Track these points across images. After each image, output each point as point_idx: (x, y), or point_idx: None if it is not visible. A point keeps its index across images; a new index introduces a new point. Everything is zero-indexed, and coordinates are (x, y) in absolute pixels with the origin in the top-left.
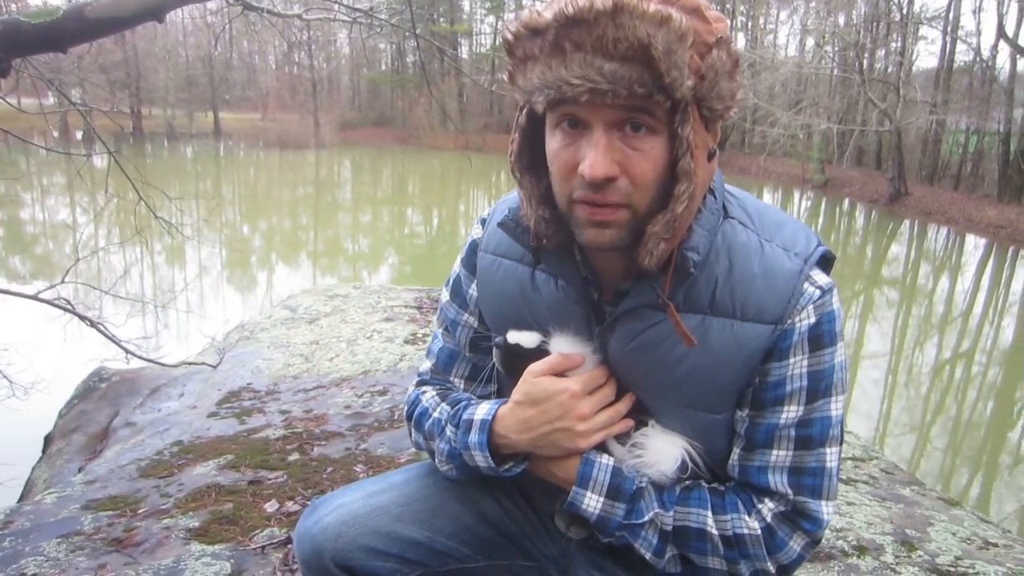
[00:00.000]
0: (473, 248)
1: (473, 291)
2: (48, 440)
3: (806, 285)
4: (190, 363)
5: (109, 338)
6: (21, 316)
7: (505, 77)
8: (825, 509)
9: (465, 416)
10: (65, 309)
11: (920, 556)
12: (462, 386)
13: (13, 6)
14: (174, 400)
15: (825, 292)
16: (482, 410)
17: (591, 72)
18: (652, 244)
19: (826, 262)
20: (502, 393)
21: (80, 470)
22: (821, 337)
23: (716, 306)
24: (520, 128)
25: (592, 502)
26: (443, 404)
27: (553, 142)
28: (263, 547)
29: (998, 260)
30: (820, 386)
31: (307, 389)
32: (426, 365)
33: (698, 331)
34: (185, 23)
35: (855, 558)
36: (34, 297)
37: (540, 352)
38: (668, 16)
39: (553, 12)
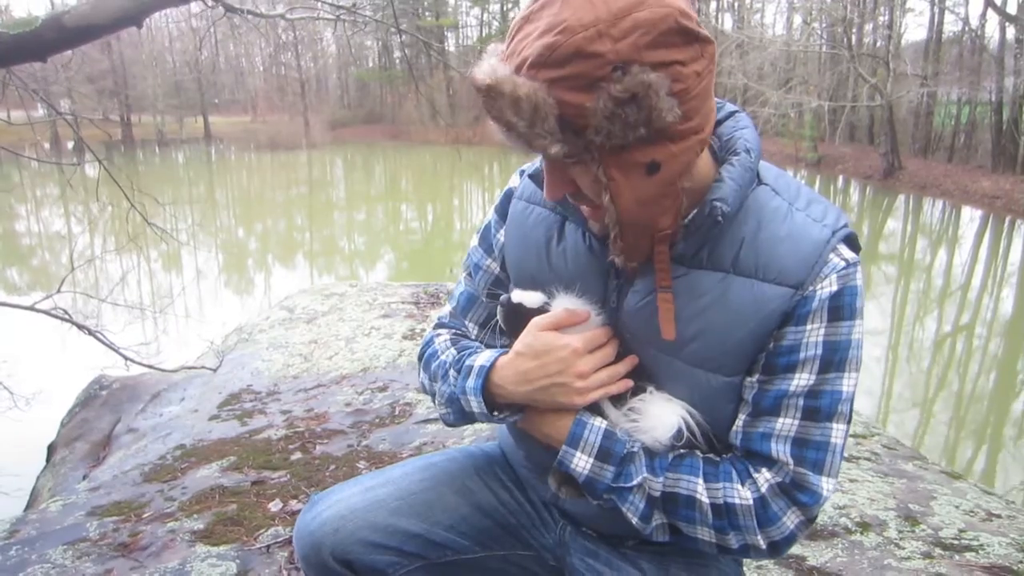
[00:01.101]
0: (508, 195)
1: (501, 236)
2: (51, 449)
3: (832, 255)
4: (190, 367)
5: (108, 346)
6: (20, 328)
7: None
8: (824, 485)
9: (468, 362)
10: (63, 319)
11: (923, 530)
12: (475, 332)
13: None
14: (175, 405)
15: (850, 265)
16: (483, 357)
17: (497, 130)
18: (616, 252)
19: (852, 243)
20: (509, 341)
21: (84, 477)
22: (841, 308)
23: (739, 265)
24: None
25: (581, 462)
26: (451, 348)
27: None
28: (268, 546)
29: (995, 231)
30: (834, 357)
31: (307, 388)
32: (446, 308)
33: (718, 288)
34: (170, 28)
35: (858, 534)
36: (31, 308)
37: (542, 312)
38: (518, 97)
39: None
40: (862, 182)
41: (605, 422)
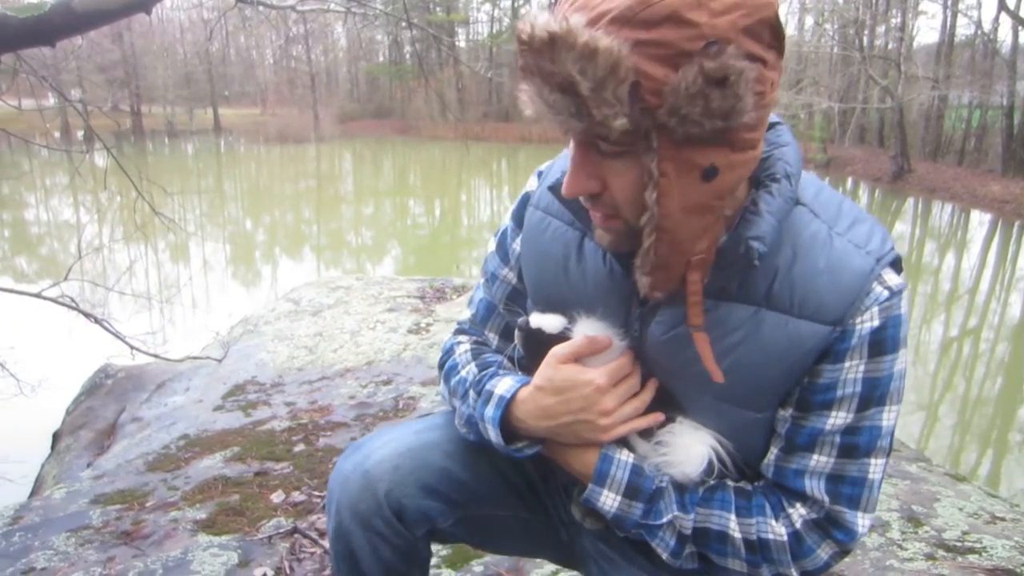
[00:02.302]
0: (524, 201)
1: (517, 246)
2: (56, 437)
3: (875, 285)
4: (195, 358)
5: (114, 334)
6: (27, 315)
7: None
8: (861, 521)
9: (488, 386)
10: (70, 307)
11: (927, 532)
12: (495, 342)
13: (2, 2)
14: (180, 395)
15: (894, 294)
16: (504, 385)
17: (538, 99)
18: (637, 279)
19: (897, 267)
20: (524, 365)
21: (88, 465)
22: (884, 343)
23: (772, 299)
24: None
25: (609, 500)
26: (472, 364)
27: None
28: (270, 537)
29: (1004, 235)
30: (875, 394)
31: (311, 380)
32: (467, 314)
33: (750, 323)
34: (181, 19)
35: None
36: (39, 295)
37: (561, 338)
38: (595, 50)
39: (519, 34)
40: (871, 184)
41: (632, 456)
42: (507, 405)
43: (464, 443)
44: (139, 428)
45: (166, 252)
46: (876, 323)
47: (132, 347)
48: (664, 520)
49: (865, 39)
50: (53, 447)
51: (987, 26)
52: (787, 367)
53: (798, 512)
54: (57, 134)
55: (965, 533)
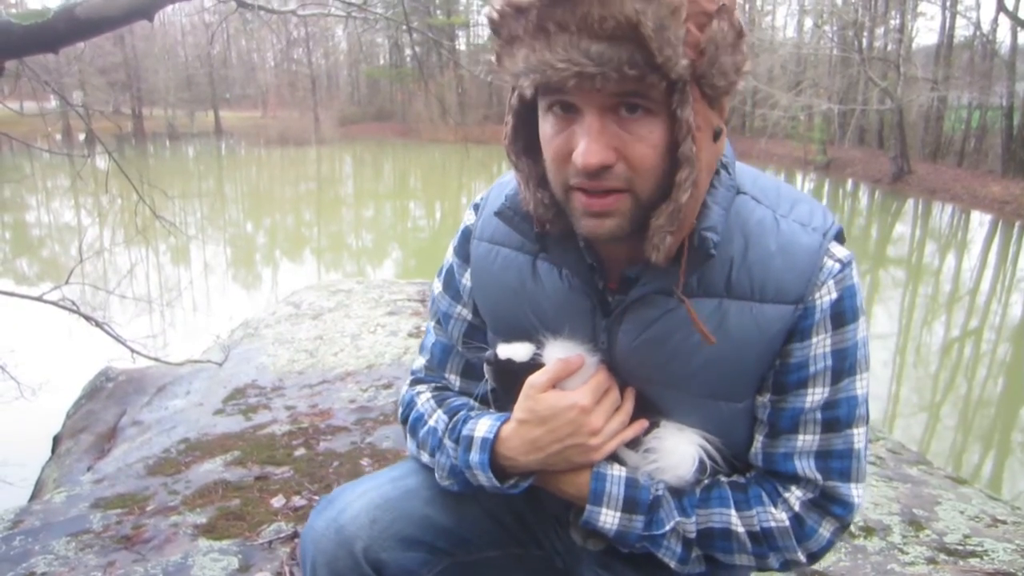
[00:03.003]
0: (466, 235)
1: (467, 281)
2: (57, 440)
3: (826, 259)
4: (196, 361)
5: (115, 338)
6: (28, 318)
7: (492, 59)
8: (855, 492)
9: (465, 432)
10: (70, 310)
11: (928, 535)
12: (457, 383)
13: (5, 8)
14: (180, 398)
15: (845, 265)
16: (482, 427)
17: (577, 54)
18: (658, 239)
19: (840, 238)
20: (499, 398)
21: (89, 469)
22: (844, 313)
23: (733, 289)
24: (513, 109)
25: (609, 518)
26: (439, 411)
27: (545, 127)
28: (270, 542)
29: (1004, 236)
30: (844, 365)
31: (312, 384)
32: (420, 362)
33: (715, 316)
34: (182, 23)
35: (862, 539)
36: (39, 299)
37: (533, 365)
38: None
39: None
40: (871, 186)
41: (624, 469)
42: (492, 446)
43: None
44: (139, 432)
45: (167, 255)
46: (834, 295)
47: (133, 350)
48: (667, 528)
49: (864, 41)
50: (53, 450)
51: (986, 27)
52: (759, 352)
53: (794, 495)
54: (59, 137)
55: (966, 536)
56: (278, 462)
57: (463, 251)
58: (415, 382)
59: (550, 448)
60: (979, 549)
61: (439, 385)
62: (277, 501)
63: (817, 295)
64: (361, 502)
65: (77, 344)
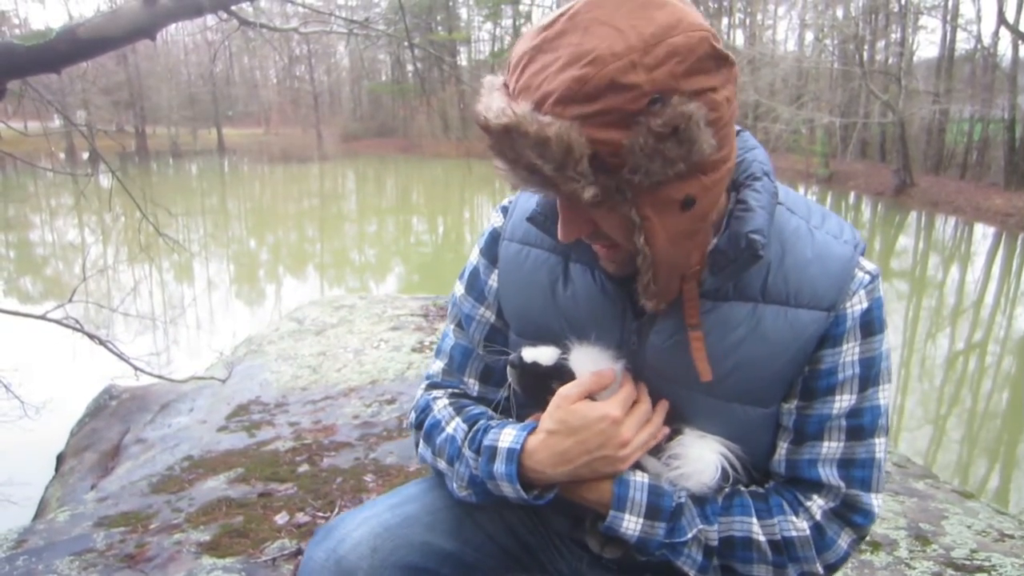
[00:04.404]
0: (495, 237)
1: (493, 282)
2: (60, 459)
3: (857, 271)
4: (199, 378)
5: (118, 356)
6: (32, 336)
7: None
8: (875, 502)
9: (487, 442)
10: (74, 328)
11: (935, 550)
12: (476, 388)
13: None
14: (184, 415)
15: (874, 278)
16: (507, 437)
17: (511, 174)
18: (647, 296)
19: (864, 252)
20: (518, 402)
21: (92, 487)
22: (872, 323)
23: (769, 293)
24: None
25: (631, 524)
26: (457, 419)
27: None
28: (274, 559)
29: (1008, 248)
30: (871, 373)
31: (315, 400)
32: (437, 366)
33: (750, 319)
34: (185, 41)
35: (868, 553)
36: (43, 317)
37: (559, 369)
38: (547, 137)
39: (482, 119)
40: (874, 199)
41: (647, 476)
42: (519, 457)
43: (445, 512)
44: (143, 449)
45: (170, 272)
46: (865, 305)
47: (136, 368)
48: (688, 536)
49: (865, 54)
50: (57, 469)
51: (987, 40)
52: (791, 356)
53: (816, 504)
54: (62, 156)
55: (974, 551)
56: (281, 479)
57: (491, 252)
58: (431, 386)
59: (579, 460)
60: (986, 564)
61: (456, 391)
62: (281, 518)
63: (849, 304)
64: (360, 531)
65: (81, 362)
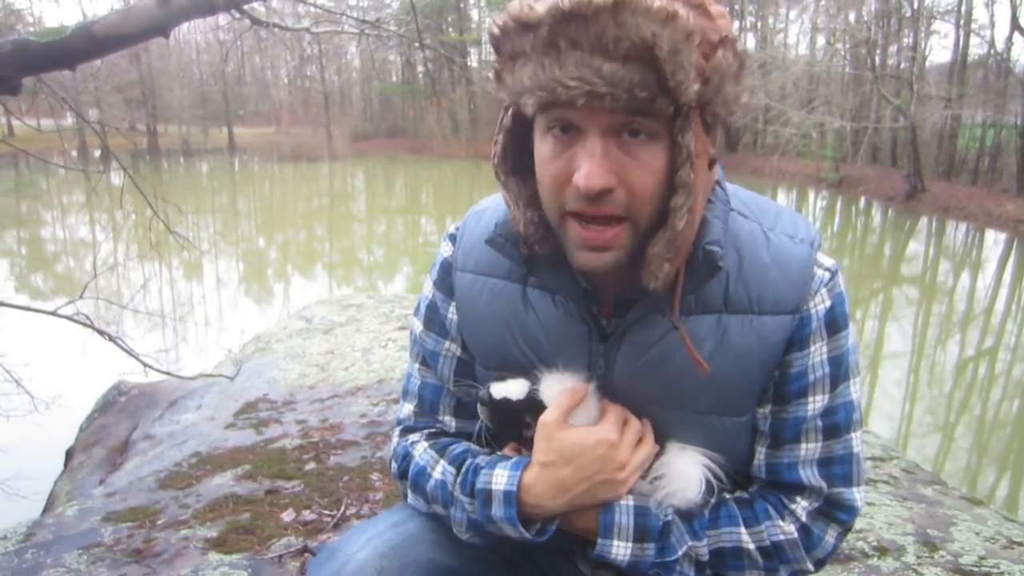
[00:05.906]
0: (446, 267)
1: (452, 315)
2: (70, 454)
3: (816, 269)
4: (207, 375)
5: (127, 352)
6: (42, 332)
7: (491, 75)
8: (858, 496)
9: (480, 485)
10: (84, 324)
11: (943, 556)
12: (453, 424)
13: (23, 27)
14: (192, 412)
15: (833, 274)
16: (501, 478)
17: (588, 73)
18: (655, 267)
19: (820, 246)
20: (494, 437)
21: (101, 483)
22: (836, 320)
23: (731, 303)
24: (504, 129)
25: (620, 550)
26: (443, 462)
27: (543, 148)
28: (280, 556)
29: (1020, 255)
30: (840, 371)
31: (323, 399)
32: (407, 409)
33: (716, 332)
34: (197, 41)
35: (876, 559)
36: (54, 313)
37: (530, 402)
38: (674, 13)
39: (547, 6)
40: (884, 204)
41: (631, 497)
42: (517, 498)
43: (447, 527)
44: (151, 445)
45: (180, 270)
46: (828, 304)
47: (145, 364)
48: (679, 554)
49: (877, 59)
50: (66, 464)
51: (1000, 45)
52: (760, 363)
53: (800, 506)
54: (75, 153)
55: (982, 558)
56: (288, 476)
57: (445, 284)
58: (405, 431)
59: (578, 487)
60: (995, 571)
61: (432, 431)
62: (287, 515)
63: (812, 304)
64: (365, 552)
65: (90, 358)
